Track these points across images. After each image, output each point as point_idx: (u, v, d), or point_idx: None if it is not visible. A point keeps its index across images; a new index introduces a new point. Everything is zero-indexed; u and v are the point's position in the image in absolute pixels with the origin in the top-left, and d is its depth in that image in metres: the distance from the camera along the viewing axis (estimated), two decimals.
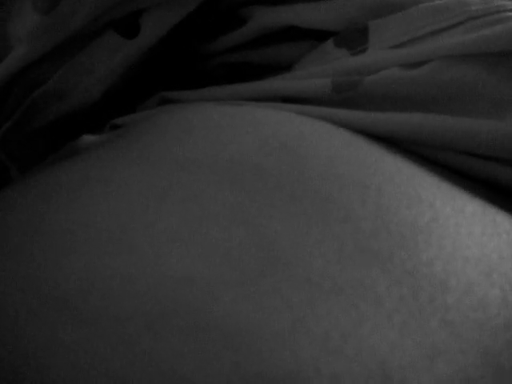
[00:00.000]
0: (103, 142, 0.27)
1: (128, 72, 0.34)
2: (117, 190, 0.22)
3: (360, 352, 0.17)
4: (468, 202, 0.23)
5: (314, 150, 0.23)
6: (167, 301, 0.17)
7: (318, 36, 0.33)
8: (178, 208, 0.20)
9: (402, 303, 0.18)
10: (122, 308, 0.17)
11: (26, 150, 0.34)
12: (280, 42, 0.34)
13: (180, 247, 0.19)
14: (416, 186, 0.23)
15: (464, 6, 0.30)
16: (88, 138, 0.28)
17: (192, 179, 0.22)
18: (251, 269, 0.18)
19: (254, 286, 0.18)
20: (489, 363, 0.17)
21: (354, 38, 0.31)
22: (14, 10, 0.32)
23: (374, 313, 0.18)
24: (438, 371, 0.17)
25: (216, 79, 0.35)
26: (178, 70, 0.37)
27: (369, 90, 0.29)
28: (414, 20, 0.30)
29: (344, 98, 0.29)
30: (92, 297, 0.18)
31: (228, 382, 0.16)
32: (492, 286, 0.20)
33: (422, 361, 0.17)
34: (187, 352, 0.16)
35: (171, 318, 0.17)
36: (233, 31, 0.34)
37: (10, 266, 0.19)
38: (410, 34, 0.30)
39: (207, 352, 0.16)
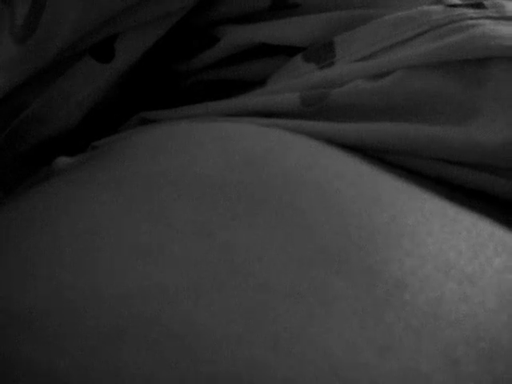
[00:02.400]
0: (76, 164, 0.28)
1: (107, 94, 0.35)
2: (84, 209, 0.22)
3: (311, 352, 0.17)
4: (428, 201, 0.24)
5: (277, 162, 0.24)
6: (127, 313, 0.18)
7: (289, 51, 0.34)
8: (142, 224, 0.21)
9: (357, 302, 0.19)
10: (84, 323, 0.18)
11: (9, 174, 0.34)
12: (253, 59, 0.35)
13: (143, 261, 0.20)
14: (377, 188, 0.23)
15: (426, 16, 0.31)
16: (62, 161, 0.29)
17: (158, 196, 0.22)
18: (209, 278, 0.19)
19: (210, 295, 0.18)
20: (443, 357, 0.18)
21: (321, 52, 0.32)
22: None
23: (327, 313, 0.18)
24: (390, 367, 0.17)
25: (195, 97, 0.36)
26: (157, 89, 0.38)
27: (336, 102, 0.29)
28: (377, 32, 0.31)
29: (313, 110, 0.30)
30: (56, 314, 0.18)
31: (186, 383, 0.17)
32: (449, 282, 0.20)
33: (375, 357, 0.17)
34: (145, 360, 0.17)
35: (130, 329, 0.18)
36: (207, 50, 0.35)
37: None
38: (374, 46, 0.31)
39: (163, 359, 0.17)
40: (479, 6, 0.31)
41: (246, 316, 0.18)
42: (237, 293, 0.19)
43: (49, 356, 0.17)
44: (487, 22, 0.30)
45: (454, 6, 0.31)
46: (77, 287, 0.19)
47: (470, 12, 0.30)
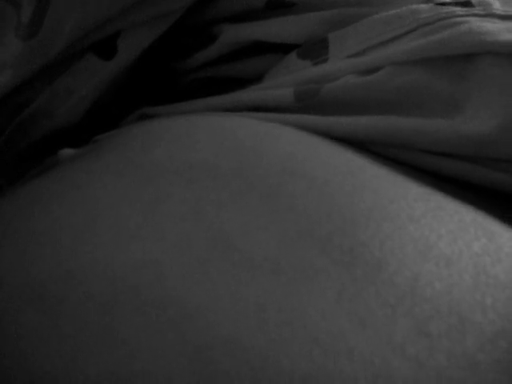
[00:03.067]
0: (79, 154, 0.29)
1: (110, 90, 0.37)
2: (85, 195, 0.24)
3: (292, 321, 0.18)
4: (412, 189, 0.25)
5: (267, 151, 0.25)
6: (121, 283, 0.19)
7: (285, 49, 0.35)
8: (138, 206, 0.23)
9: (337, 279, 0.20)
10: (82, 291, 0.19)
11: (12, 168, 0.36)
12: (250, 56, 0.36)
13: (137, 238, 0.21)
14: (362, 176, 0.25)
15: (415, 14, 0.32)
16: (66, 152, 0.30)
17: (154, 181, 0.24)
18: (199, 254, 0.20)
19: (200, 269, 0.20)
20: (417, 330, 0.19)
21: (315, 49, 0.33)
22: None
23: (308, 287, 0.20)
24: (367, 336, 0.18)
25: (193, 94, 0.37)
26: (157, 86, 0.39)
27: (328, 96, 0.31)
28: (369, 30, 0.32)
29: (306, 105, 0.31)
30: (57, 283, 0.20)
31: (173, 350, 0.18)
32: (427, 263, 0.21)
33: (352, 327, 0.19)
34: (137, 326, 0.18)
35: (124, 297, 0.19)
36: (204, 48, 0.36)
37: None
38: (365, 43, 0.32)
39: (155, 325, 0.18)
40: (467, 4, 0.32)
41: (232, 289, 0.19)
42: (224, 268, 0.20)
43: (48, 323, 0.18)
44: (474, 19, 0.31)
45: (443, 4, 0.32)
46: (76, 262, 0.20)
47: (458, 10, 0.31)
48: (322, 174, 0.24)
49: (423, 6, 0.32)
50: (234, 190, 0.23)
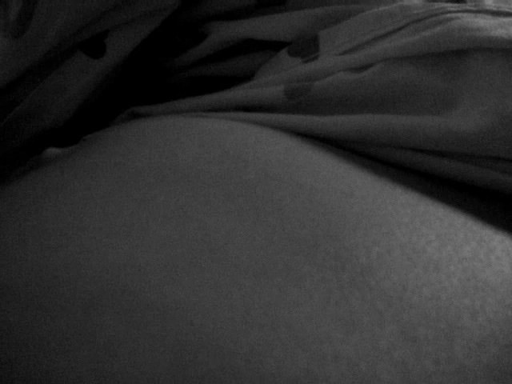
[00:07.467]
0: (65, 154, 0.29)
1: (99, 89, 0.36)
2: (70, 195, 0.24)
3: (277, 325, 0.18)
4: (401, 194, 0.24)
5: (254, 156, 0.25)
6: (105, 284, 0.19)
7: (275, 46, 0.35)
8: (122, 208, 0.22)
9: (323, 283, 0.20)
10: (64, 292, 0.19)
11: (1, 169, 0.35)
12: (240, 54, 0.36)
13: (121, 239, 0.21)
14: (350, 183, 0.24)
15: (406, 10, 0.31)
16: (51, 151, 0.30)
17: (140, 183, 0.24)
18: (184, 256, 0.20)
19: (184, 271, 0.20)
20: (404, 336, 0.19)
21: (305, 46, 0.33)
22: None
23: (294, 291, 0.19)
24: (354, 342, 0.18)
25: (184, 92, 0.36)
26: (147, 85, 0.39)
27: (319, 93, 0.30)
28: (360, 27, 0.32)
29: (297, 103, 0.31)
30: (40, 283, 0.20)
31: (156, 351, 0.18)
32: (415, 268, 0.21)
33: (339, 332, 0.18)
34: (119, 326, 0.18)
35: (107, 298, 0.19)
36: (195, 46, 0.36)
37: None
38: (356, 40, 0.31)
39: (137, 326, 0.18)
40: (458, 0, 0.32)
41: (217, 291, 0.19)
42: (209, 270, 0.20)
43: (29, 323, 0.18)
44: (465, 15, 0.30)
45: (434, 0, 0.32)
46: (59, 262, 0.20)
47: (449, 6, 0.31)
48: (309, 180, 0.24)
49: (415, 2, 0.32)
50: (220, 195, 0.23)
